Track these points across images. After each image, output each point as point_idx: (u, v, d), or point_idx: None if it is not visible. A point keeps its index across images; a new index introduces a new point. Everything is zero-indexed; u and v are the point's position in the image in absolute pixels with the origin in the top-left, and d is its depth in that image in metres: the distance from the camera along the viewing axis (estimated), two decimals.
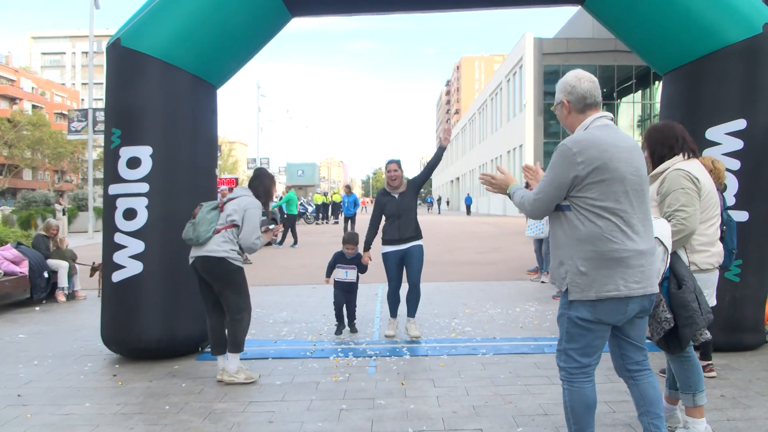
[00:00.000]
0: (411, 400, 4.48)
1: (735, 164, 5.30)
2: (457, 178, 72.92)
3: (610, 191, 2.87)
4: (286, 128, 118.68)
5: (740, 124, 5.31)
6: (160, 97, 5.54)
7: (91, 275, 9.37)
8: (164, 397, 4.62)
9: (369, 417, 4.16)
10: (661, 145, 3.81)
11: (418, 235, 6.37)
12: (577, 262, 2.92)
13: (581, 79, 3.18)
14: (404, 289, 6.52)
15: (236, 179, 29.44)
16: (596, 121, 3.09)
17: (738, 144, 5.31)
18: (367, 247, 6.51)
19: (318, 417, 4.16)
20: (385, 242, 6.41)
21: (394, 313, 6.61)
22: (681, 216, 3.58)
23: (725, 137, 5.35)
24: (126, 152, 5.47)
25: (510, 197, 3.28)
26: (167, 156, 5.51)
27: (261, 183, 5.21)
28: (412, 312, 6.46)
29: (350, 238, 6.68)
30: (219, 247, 4.81)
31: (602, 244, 2.86)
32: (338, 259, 6.68)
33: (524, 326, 6.94)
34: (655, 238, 3.17)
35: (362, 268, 6.66)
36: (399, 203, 6.34)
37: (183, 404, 4.46)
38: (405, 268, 6.38)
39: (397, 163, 6.47)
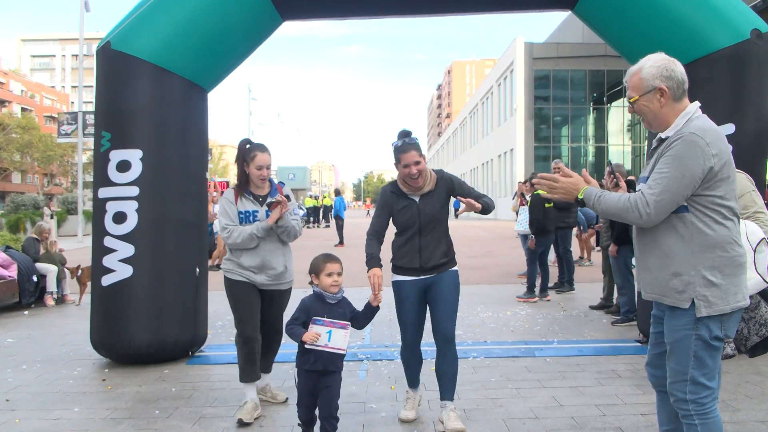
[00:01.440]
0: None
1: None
2: None
3: (731, 189, 2.61)
4: (277, 132, 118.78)
5: (729, 128, 5.34)
6: (150, 100, 5.53)
7: (72, 277, 9.30)
8: (154, 402, 4.59)
9: (360, 421, 4.16)
10: None
11: (450, 261, 4.10)
12: (703, 272, 2.58)
13: (674, 61, 2.77)
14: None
15: (227, 182, 29.39)
16: (698, 110, 2.74)
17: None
18: (373, 264, 3.97)
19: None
20: (397, 270, 4.13)
21: (413, 381, 4.27)
22: (764, 218, 3.54)
23: None
24: (116, 155, 5.45)
25: (585, 203, 2.78)
26: (157, 159, 5.49)
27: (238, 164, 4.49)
28: (448, 390, 4.00)
29: (327, 258, 3.64)
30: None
31: (731, 248, 2.58)
32: (313, 307, 3.57)
33: (515, 330, 6.95)
34: (763, 239, 3.13)
35: (365, 318, 3.81)
36: (421, 210, 3.99)
37: (173, 409, 4.44)
38: (430, 309, 4.10)
39: (416, 146, 3.96)
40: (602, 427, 3.99)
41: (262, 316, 4.48)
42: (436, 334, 4.05)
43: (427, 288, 4.06)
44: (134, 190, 5.41)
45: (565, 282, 9.71)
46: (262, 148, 4.41)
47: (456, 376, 4.04)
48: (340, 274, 3.61)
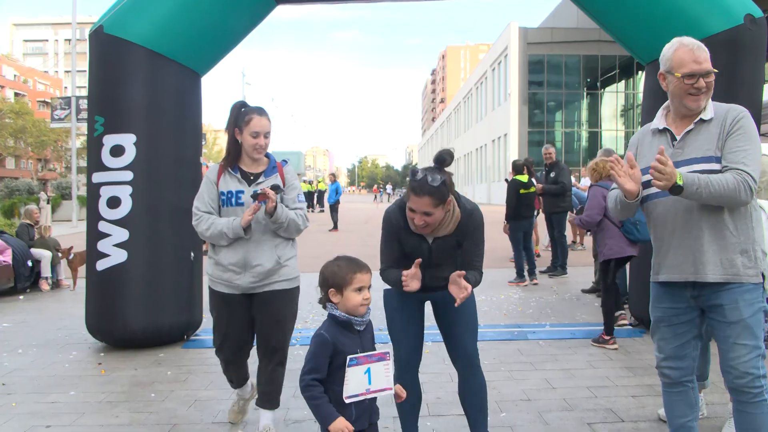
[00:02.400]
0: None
1: None
2: None
3: None
4: (271, 117, 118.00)
5: None
6: (144, 84, 5.51)
7: (63, 257, 9.29)
8: (150, 386, 4.63)
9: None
10: None
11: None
12: (763, 246, 2.73)
13: None
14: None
15: None
16: None
17: None
18: (397, 283, 3.06)
19: (304, 404, 4.13)
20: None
21: None
22: None
23: None
24: (109, 140, 5.44)
25: (682, 190, 2.54)
26: (151, 144, 5.49)
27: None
28: (480, 426, 3.22)
29: (354, 266, 2.56)
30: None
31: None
32: (338, 341, 2.51)
33: (508, 313, 7.01)
34: None
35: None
36: (433, 252, 3.12)
37: (168, 392, 4.47)
38: (442, 326, 3.31)
39: (436, 192, 2.85)
40: (593, 409, 4.05)
41: (258, 332, 3.65)
42: (457, 356, 3.23)
43: (434, 303, 3.29)
44: (128, 175, 5.41)
45: (558, 266, 9.77)
46: (260, 111, 3.56)
47: (486, 406, 3.24)
48: (370, 287, 2.55)
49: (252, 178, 3.58)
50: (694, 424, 2.90)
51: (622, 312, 6.33)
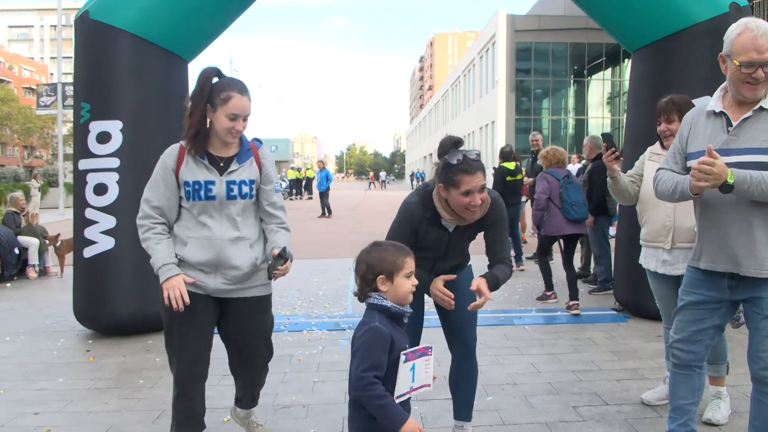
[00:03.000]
0: None
1: None
2: (430, 154, 73.06)
3: None
4: (259, 103, 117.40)
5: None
6: (130, 71, 5.47)
7: (50, 244, 9.24)
8: (138, 372, 4.64)
9: (342, 389, 4.23)
10: None
11: (465, 259, 3.31)
12: None
13: None
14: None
15: None
16: None
17: None
18: (428, 280, 3.01)
19: (292, 389, 4.22)
20: None
21: None
22: None
23: None
24: (96, 127, 5.41)
25: (732, 188, 2.50)
26: (138, 131, 5.46)
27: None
28: (465, 409, 3.27)
29: (402, 251, 2.37)
30: None
31: None
32: (392, 332, 2.27)
33: (495, 299, 7.07)
34: None
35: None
36: (452, 243, 3.08)
37: (157, 378, 4.49)
38: (442, 313, 3.23)
39: (483, 165, 2.83)
40: (578, 392, 4.11)
41: (224, 340, 3.12)
42: (455, 343, 3.22)
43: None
44: (115, 162, 5.39)
45: None
46: (241, 88, 2.90)
47: (475, 391, 3.27)
48: (412, 283, 2.36)
49: (222, 165, 2.97)
50: (694, 408, 2.93)
51: (553, 292, 6.89)
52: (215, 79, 2.93)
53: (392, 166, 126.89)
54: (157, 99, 5.61)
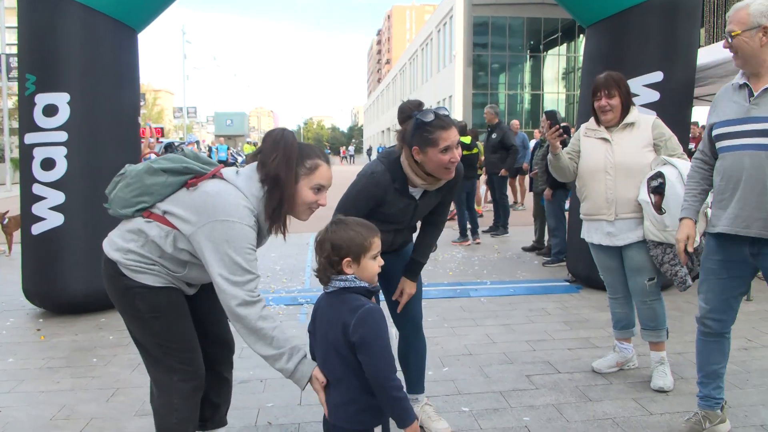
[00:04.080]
0: None
1: (651, 114, 5.56)
2: (388, 128, 72.97)
3: None
4: (213, 76, 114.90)
5: (657, 76, 5.53)
6: (76, 40, 5.28)
7: None
8: (91, 351, 4.56)
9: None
10: (628, 95, 3.74)
11: (412, 238, 3.29)
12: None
13: None
14: None
15: (162, 129, 28.44)
16: None
17: (654, 95, 5.54)
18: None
19: (249, 365, 4.21)
20: None
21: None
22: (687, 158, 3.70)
23: (643, 89, 5.56)
24: (42, 99, 5.22)
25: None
26: (86, 103, 5.29)
27: (278, 166, 2.37)
28: (418, 383, 3.29)
29: (371, 231, 2.19)
30: (120, 240, 2.47)
31: None
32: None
33: (452, 272, 7.16)
34: None
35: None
36: (417, 212, 3.02)
37: (111, 356, 4.42)
38: (387, 291, 3.18)
39: (453, 122, 2.80)
40: (532, 362, 4.21)
41: (205, 328, 2.72)
42: (404, 321, 3.21)
43: (390, 265, 2.90)
44: (62, 136, 5.22)
45: (500, 226, 9.99)
46: (325, 156, 2.55)
47: (425, 365, 3.31)
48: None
49: None
50: (724, 371, 3.05)
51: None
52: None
53: (350, 140, 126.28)
54: (106, 70, 5.44)
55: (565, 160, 3.85)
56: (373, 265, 2.15)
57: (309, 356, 2.32)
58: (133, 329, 2.50)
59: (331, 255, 2.11)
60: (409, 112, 2.79)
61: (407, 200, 2.90)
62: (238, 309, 2.24)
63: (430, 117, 2.66)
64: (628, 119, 3.69)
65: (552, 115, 3.72)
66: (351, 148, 68.93)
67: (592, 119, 3.89)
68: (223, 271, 2.24)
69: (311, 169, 2.42)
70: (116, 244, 2.45)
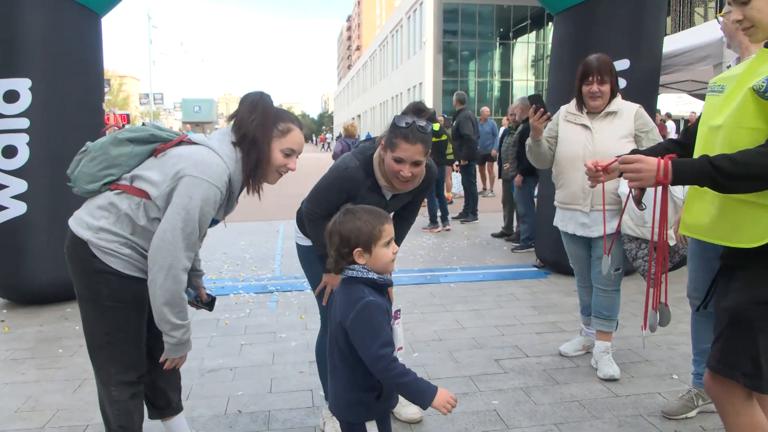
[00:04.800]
0: (312, 332, 4.58)
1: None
2: (359, 115, 72.77)
3: None
4: (180, 62, 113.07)
5: (624, 63, 5.59)
6: (38, 25, 5.14)
7: None
8: (57, 341, 4.49)
9: (270, 350, 4.24)
10: (616, 82, 3.67)
11: None
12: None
13: None
14: None
15: (127, 115, 27.91)
16: None
17: (621, 83, 5.60)
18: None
19: (219, 353, 4.19)
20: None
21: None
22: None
23: None
24: (2, 85, 5.08)
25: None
26: (49, 89, 5.17)
27: (250, 121, 2.36)
28: None
29: (380, 217, 2.11)
30: (89, 217, 2.37)
31: None
32: (384, 304, 2.09)
33: (423, 258, 7.19)
34: None
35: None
36: (387, 208, 2.89)
37: (77, 347, 4.36)
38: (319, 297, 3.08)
39: (427, 139, 2.64)
40: (500, 346, 4.26)
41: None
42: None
43: None
44: (24, 122, 5.09)
45: (470, 212, 10.05)
46: (298, 121, 2.54)
47: None
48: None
49: None
50: None
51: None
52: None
53: (320, 127, 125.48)
54: (68, 56, 5.31)
55: (546, 146, 3.78)
56: (386, 252, 2.08)
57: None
58: (86, 312, 2.41)
59: (340, 247, 2.05)
60: (407, 111, 2.75)
61: (378, 198, 2.86)
62: (181, 273, 2.24)
63: (403, 123, 2.61)
64: (611, 107, 3.62)
65: (537, 99, 3.53)
66: (329, 135, 66.94)
67: (572, 103, 3.78)
68: (178, 223, 2.20)
69: (284, 132, 2.42)
70: (86, 223, 2.35)
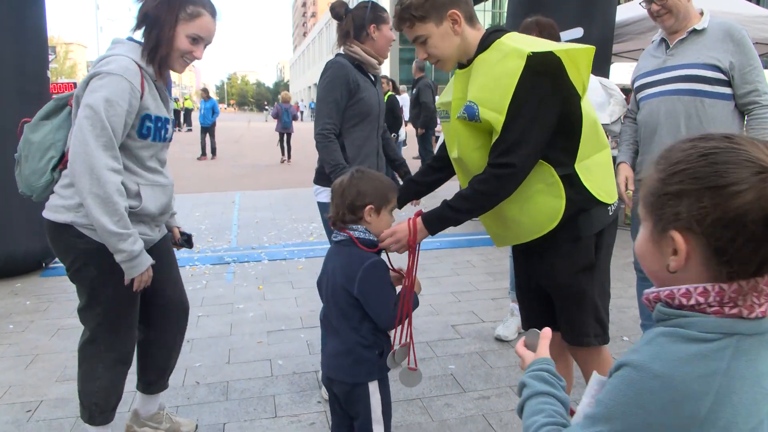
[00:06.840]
0: (269, 302, 4.58)
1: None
2: (315, 84, 71.87)
3: None
4: (129, 28, 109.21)
5: (578, 32, 5.63)
6: None
7: None
8: (7, 317, 4.38)
9: (228, 322, 4.23)
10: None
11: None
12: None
13: None
14: None
15: (74, 84, 26.89)
16: None
17: None
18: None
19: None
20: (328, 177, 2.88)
21: None
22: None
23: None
24: None
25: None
26: None
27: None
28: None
29: (391, 184, 2.19)
30: (60, 200, 2.27)
31: None
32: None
33: None
34: None
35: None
36: (379, 95, 3.13)
37: (28, 323, 4.26)
38: None
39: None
40: (457, 312, 4.33)
41: (165, 290, 2.60)
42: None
43: None
44: None
45: None
46: (212, 7, 2.35)
47: None
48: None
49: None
50: None
51: None
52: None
53: (276, 96, 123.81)
54: (7, 21, 5.08)
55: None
56: (388, 219, 2.13)
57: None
58: (81, 292, 2.40)
59: (356, 200, 2.05)
60: (340, 9, 3.04)
61: (370, 83, 3.05)
62: (105, 173, 2.08)
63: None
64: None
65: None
66: (302, 103, 59.43)
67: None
68: (83, 121, 2.09)
69: (192, 15, 2.27)
70: (61, 206, 2.25)
